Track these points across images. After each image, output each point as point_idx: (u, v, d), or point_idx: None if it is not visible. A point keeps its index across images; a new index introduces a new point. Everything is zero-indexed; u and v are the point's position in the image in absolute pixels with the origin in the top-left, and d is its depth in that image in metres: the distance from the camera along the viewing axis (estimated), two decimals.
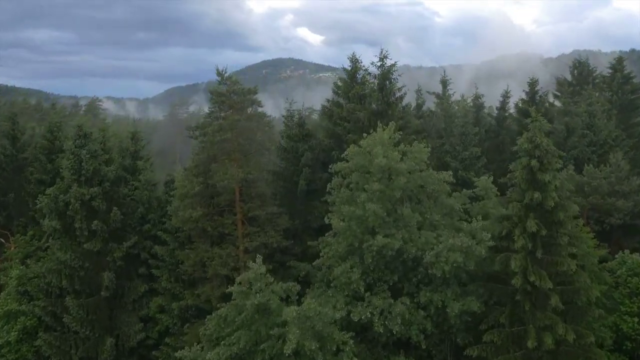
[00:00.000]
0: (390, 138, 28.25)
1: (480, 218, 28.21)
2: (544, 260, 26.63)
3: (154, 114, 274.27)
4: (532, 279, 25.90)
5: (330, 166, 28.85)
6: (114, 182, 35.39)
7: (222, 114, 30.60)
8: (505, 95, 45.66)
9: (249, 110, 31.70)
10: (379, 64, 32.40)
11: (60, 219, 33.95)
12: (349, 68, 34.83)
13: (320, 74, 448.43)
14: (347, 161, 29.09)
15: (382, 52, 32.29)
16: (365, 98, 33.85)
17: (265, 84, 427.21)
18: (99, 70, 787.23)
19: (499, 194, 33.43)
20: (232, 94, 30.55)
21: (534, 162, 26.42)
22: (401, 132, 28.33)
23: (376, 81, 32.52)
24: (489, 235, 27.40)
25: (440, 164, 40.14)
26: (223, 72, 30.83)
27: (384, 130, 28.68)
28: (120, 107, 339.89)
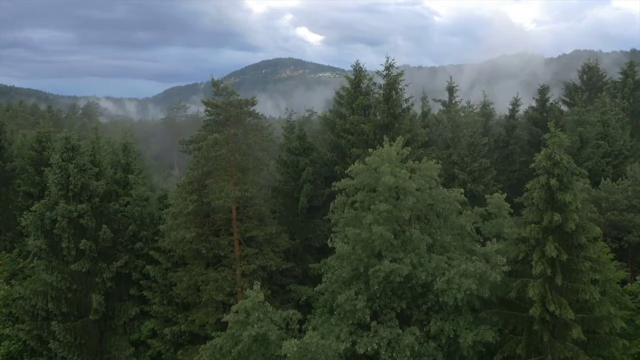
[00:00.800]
0: (397, 154, 26.29)
1: (495, 241, 26.25)
2: (564, 287, 24.76)
3: (153, 113, 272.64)
4: (551, 308, 24.03)
5: (333, 184, 26.88)
6: (104, 197, 33.46)
7: (218, 127, 28.61)
8: (515, 103, 43.67)
9: (247, 120, 29.71)
10: (384, 72, 30.32)
11: (46, 237, 31.98)
12: (352, 76, 32.83)
13: (320, 74, 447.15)
14: (352, 178, 27.18)
15: (387, 60, 30.28)
16: (370, 108, 31.89)
17: (265, 84, 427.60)
18: (99, 70, 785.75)
19: (512, 210, 31.56)
20: (229, 106, 28.56)
21: (553, 181, 24.51)
22: (409, 148, 26.30)
23: (381, 91, 30.46)
24: (504, 260, 25.47)
25: (448, 175, 38.27)
26: (218, 82, 28.84)
27: (390, 145, 26.73)
28: (119, 107, 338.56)
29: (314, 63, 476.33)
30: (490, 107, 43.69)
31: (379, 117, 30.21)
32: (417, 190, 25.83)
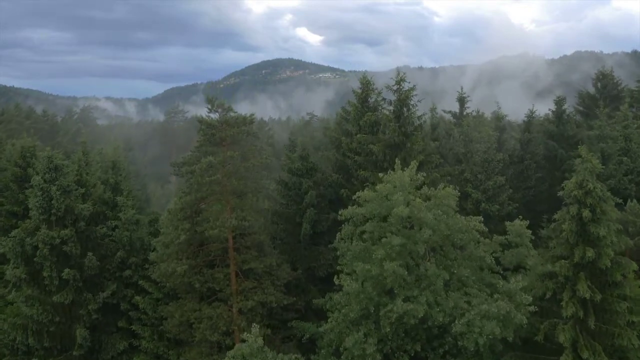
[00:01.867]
0: (411, 180, 23.75)
1: (520, 277, 23.67)
2: (597, 330, 22.27)
3: (153, 114, 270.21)
4: (584, 355, 21.58)
5: (340, 212, 24.34)
6: (90, 219, 30.90)
7: (212, 148, 26.09)
8: (530, 116, 41.11)
9: (245, 139, 27.16)
10: (395, 87, 27.74)
11: (27, 265, 29.39)
12: (359, 90, 30.29)
13: (320, 75, 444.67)
14: (360, 205, 24.65)
15: (398, 74, 27.67)
16: (379, 125, 29.35)
17: (265, 84, 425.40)
18: (98, 70, 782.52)
19: (532, 237, 28.99)
20: (224, 124, 26.01)
21: (585, 213, 22.02)
22: (424, 173, 23.76)
23: (392, 108, 27.88)
24: (530, 298, 22.91)
25: (460, 193, 35.72)
26: (213, 99, 26.30)
27: (403, 169, 24.19)
28: (119, 107, 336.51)
29: (314, 63, 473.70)
30: (503, 121, 41.06)
31: (388, 135, 27.60)
32: (434, 220, 23.31)
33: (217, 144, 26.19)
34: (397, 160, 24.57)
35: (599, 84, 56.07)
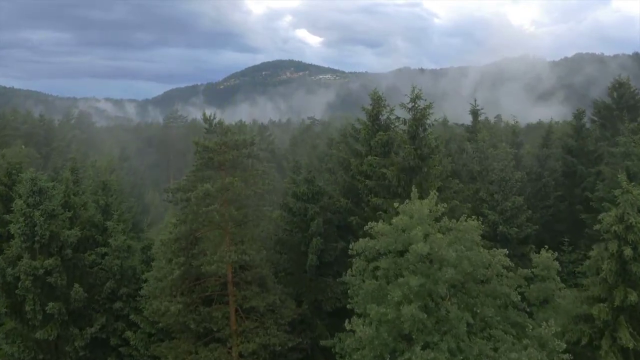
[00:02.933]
0: (431, 212, 21.35)
1: (552, 323, 21.22)
2: None
3: (153, 115, 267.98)
4: None
5: (350, 246, 21.94)
6: (78, 245, 28.55)
7: (210, 173, 23.71)
8: (549, 130, 38.69)
9: (246, 162, 24.78)
10: (409, 105, 25.32)
11: (8, 297, 27.10)
12: (370, 107, 27.92)
13: (320, 76, 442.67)
14: (372, 237, 22.24)
15: (413, 91, 25.24)
16: (391, 145, 26.97)
17: (265, 86, 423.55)
18: (98, 71, 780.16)
19: (559, 267, 26.57)
20: (223, 147, 23.61)
21: (627, 251, 19.66)
22: (445, 205, 21.36)
23: (406, 128, 25.46)
24: (564, 345, 20.49)
25: (475, 214, 33.34)
26: (211, 118, 23.94)
27: (420, 198, 21.79)
28: (119, 109, 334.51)
29: (314, 65, 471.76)
30: (520, 138, 38.65)
31: (402, 158, 25.16)
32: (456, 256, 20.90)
33: (215, 168, 23.80)
34: (414, 189, 22.17)
35: (614, 94, 53.57)
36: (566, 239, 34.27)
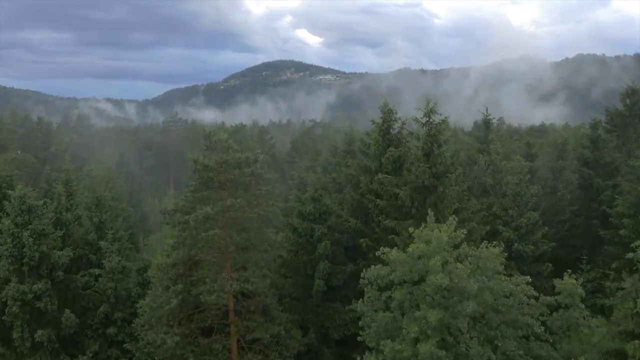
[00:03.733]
0: (449, 238, 19.71)
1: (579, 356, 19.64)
2: None
3: (153, 115, 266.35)
4: None
5: (362, 275, 20.33)
6: (70, 266, 26.94)
7: (210, 193, 22.05)
8: (564, 142, 37.00)
9: (248, 182, 23.07)
10: (424, 120, 23.65)
11: None
12: (380, 121, 26.26)
13: (321, 76, 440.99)
14: (385, 263, 20.63)
15: (428, 104, 23.58)
16: (403, 162, 25.30)
17: (266, 86, 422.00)
18: (98, 71, 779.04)
19: (582, 293, 24.90)
20: (224, 165, 21.95)
21: None
22: (464, 231, 19.72)
23: (420, 144, 23.80)
24: None
25: (488, 230, 31.72)
26: (211, 135, 22.27)
27: (437, 224, 20.14)
28: (119, 109, 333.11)
29: (315, 65, 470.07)
30: (535, 150, 36.92)
31: (416, 177, 23.48)
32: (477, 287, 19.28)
33: (215, 188, 22.14)
34: (430, 212, 20.52)
35: (627, 100, 51.92)
36: (584, 257, 32.62)
